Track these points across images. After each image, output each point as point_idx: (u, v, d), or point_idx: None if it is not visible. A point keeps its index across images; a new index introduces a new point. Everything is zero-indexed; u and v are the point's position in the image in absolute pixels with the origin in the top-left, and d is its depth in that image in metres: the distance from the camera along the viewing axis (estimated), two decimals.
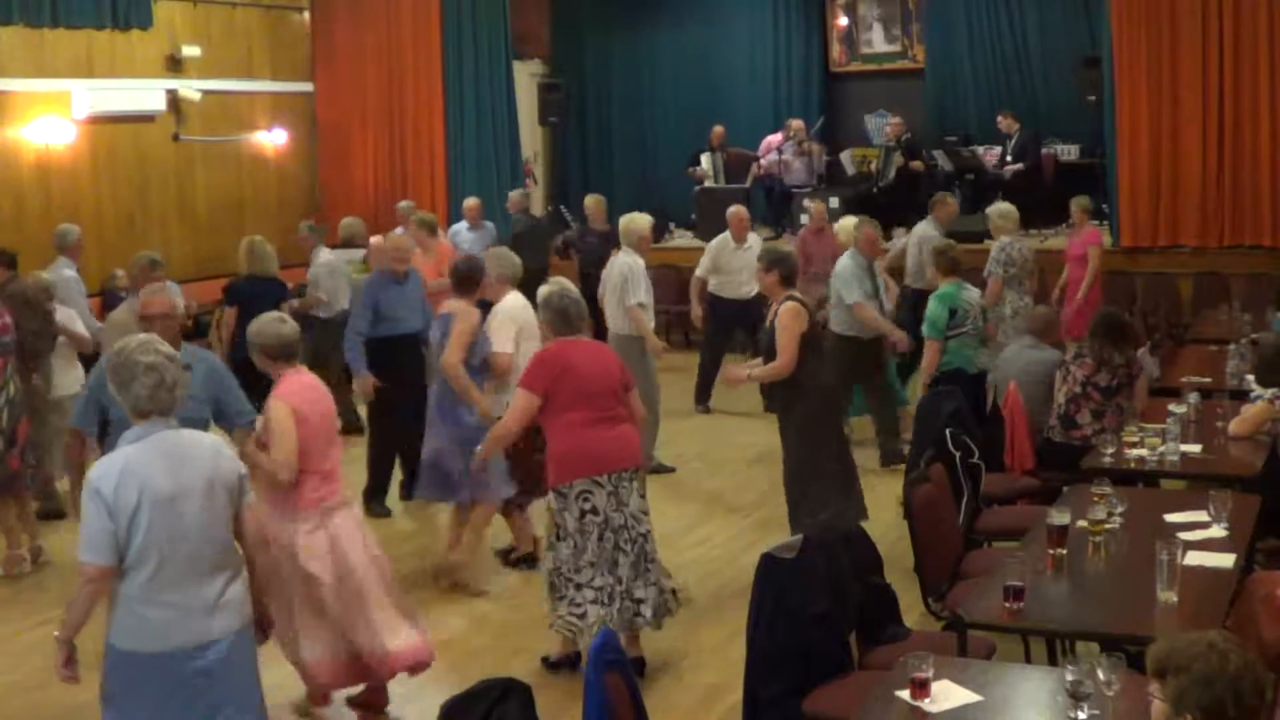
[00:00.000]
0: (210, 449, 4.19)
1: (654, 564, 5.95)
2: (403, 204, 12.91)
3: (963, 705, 3.82)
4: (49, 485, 8.42)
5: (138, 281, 8.46)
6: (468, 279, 7.20)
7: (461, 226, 13.10)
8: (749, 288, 10.26)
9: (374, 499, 8.62)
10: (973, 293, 8.26)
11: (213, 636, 4.10)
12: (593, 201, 12.66)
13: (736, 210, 11.09)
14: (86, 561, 3.97)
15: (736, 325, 11.04)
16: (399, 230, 11.29)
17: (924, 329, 8.14)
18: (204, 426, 5.24)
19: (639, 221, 9.19)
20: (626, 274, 8.95)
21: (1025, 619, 4.50)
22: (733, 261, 10.80)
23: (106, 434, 5.63)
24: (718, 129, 15.71)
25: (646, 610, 5.85)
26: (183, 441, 4.12)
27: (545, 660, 6.08)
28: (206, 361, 5.59)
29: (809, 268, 10.59)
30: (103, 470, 4.01)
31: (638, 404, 6.08)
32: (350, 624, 5.44)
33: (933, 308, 8.12)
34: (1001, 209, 10.22)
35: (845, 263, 9.25)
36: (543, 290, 6.28)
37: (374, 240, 10.74)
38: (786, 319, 6.78)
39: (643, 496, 5.90)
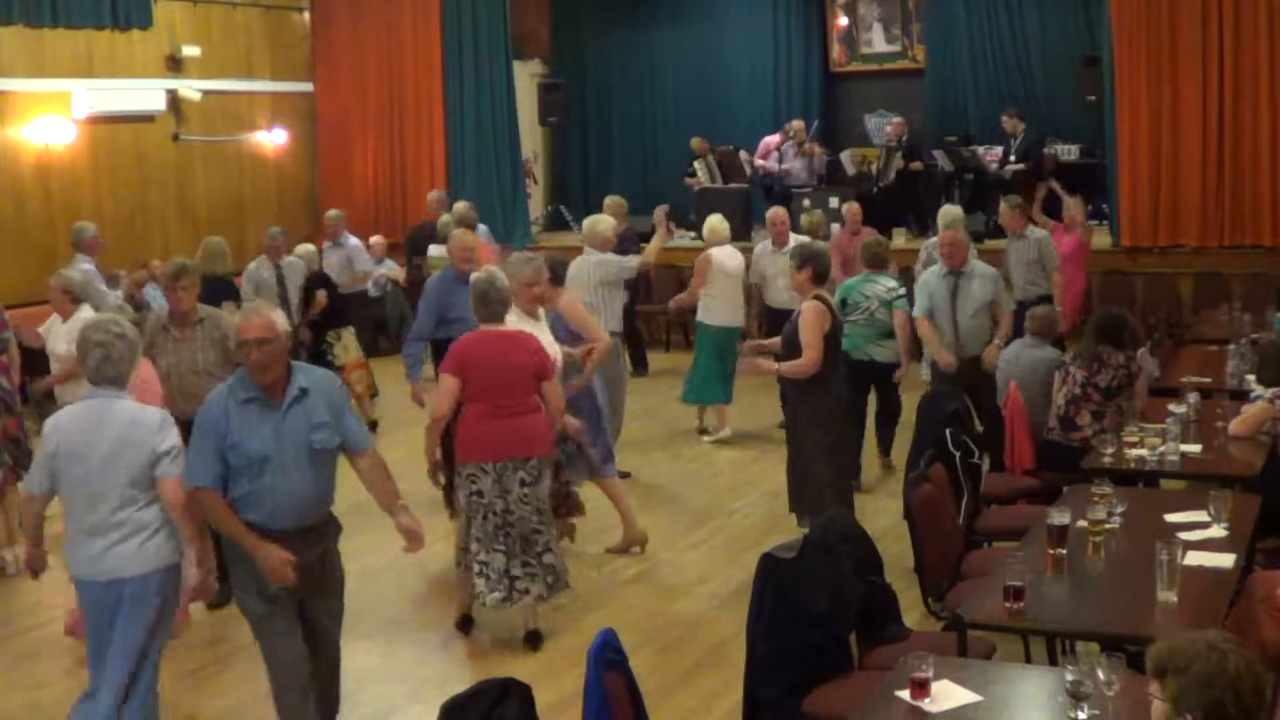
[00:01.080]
0: (126, 420, 4.77)
1: (538, 546, 6.23)
2: (331, 213, 12.62)
3: (963, 705, 3.81)
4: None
5: (167, 292, 7.97)
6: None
7: None
8: (794, 293, 9.71)
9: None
10: (878, 286, 8.63)
11: (107, 575, 4.73)
12: (611, 203, 11.61)
13: (775, 213, 10.51)
14: (23, 486, 5.13)
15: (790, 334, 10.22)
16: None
17: None
18: (335, 456, 4.92)
19: (604, 223, 9.11)
20: (604, 275, 8.82)
21: (1025, 619, 4.49)
22: (774, 267, 10.12)
23: None
24: (695, 141, 15.65)
25: (529, 585, 6.21)
26: (108, 409, 4.78)
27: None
28: (328, 384, 4.94)
29: (848, 270, 10.61)
30: (51, 420, 4.90)
31: (553, 393, 6.25)
32: None
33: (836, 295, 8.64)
34: (944, 209, 10.55)
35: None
36: (473, 275, 6.60)
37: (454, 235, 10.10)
38: (809, 317, 6.88)
39: (527, 486, 6.16)
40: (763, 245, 10.47)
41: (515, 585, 6.19)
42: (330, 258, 12.27)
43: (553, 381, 6.30)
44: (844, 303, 8.52)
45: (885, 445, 9.19)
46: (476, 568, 6.20)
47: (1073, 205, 11.31)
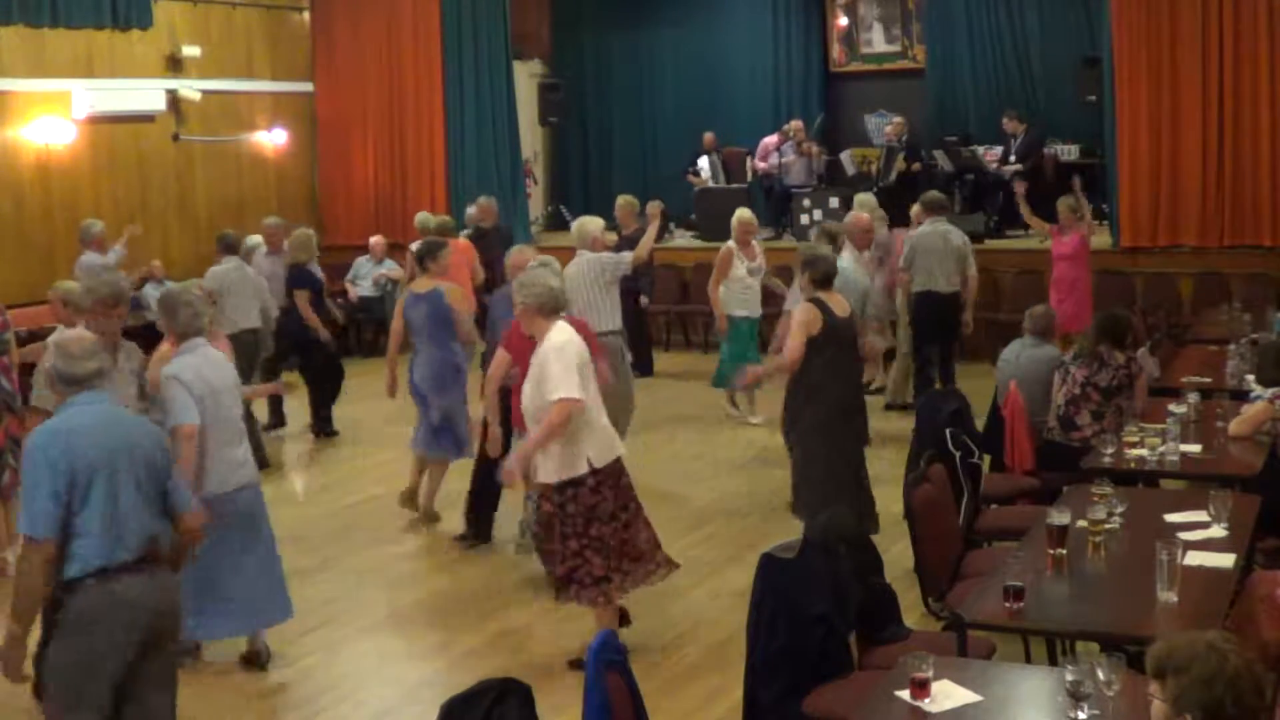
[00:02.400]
0: (226, 359, 6.14)
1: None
2: (272, 220, 11.83)
3: (963, 705, 3.81)
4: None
5: (93, 318, 6.42)
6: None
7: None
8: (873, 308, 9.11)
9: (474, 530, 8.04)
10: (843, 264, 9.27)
11: (241, 482, 5.88)
12: (623, 203, 11.61)
13: (857, 218, 9.63)
14: (185, 422, 5.63)
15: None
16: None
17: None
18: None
19: (591, 225, 9.08)
20: (599, 276, 8.78)
21: (1025, 619, 4.50)
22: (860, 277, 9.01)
23: None
24: (708, 135, 15.75)
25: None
26: (211, 351, 5.91)
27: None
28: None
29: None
30: (175, 369, 5.71)
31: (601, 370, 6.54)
32: None
33: None
34: (861, 199, 11.18)
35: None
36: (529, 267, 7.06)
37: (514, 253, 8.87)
38: (797, 316, 6.96)
39: None
40: (845, 255, 9.23)
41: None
42: (270, 269, 10.96)
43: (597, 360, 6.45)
44: None
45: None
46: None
47: (1061, 206, 11.31)
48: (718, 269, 10.21)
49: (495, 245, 11.96)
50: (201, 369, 5.77)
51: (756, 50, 16.84)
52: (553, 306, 5.89)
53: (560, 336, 5.83)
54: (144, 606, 4.30)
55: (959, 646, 4.54)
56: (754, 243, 10.50)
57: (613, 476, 5.90)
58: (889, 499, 8.03)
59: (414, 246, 9.83)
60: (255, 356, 9.99)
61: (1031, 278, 11.99)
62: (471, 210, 13.30)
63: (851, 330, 7.29)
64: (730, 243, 10.30)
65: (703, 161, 15.67)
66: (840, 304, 7.14)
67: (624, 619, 6.14)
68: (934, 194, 11.12)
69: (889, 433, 9.57)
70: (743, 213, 10.50)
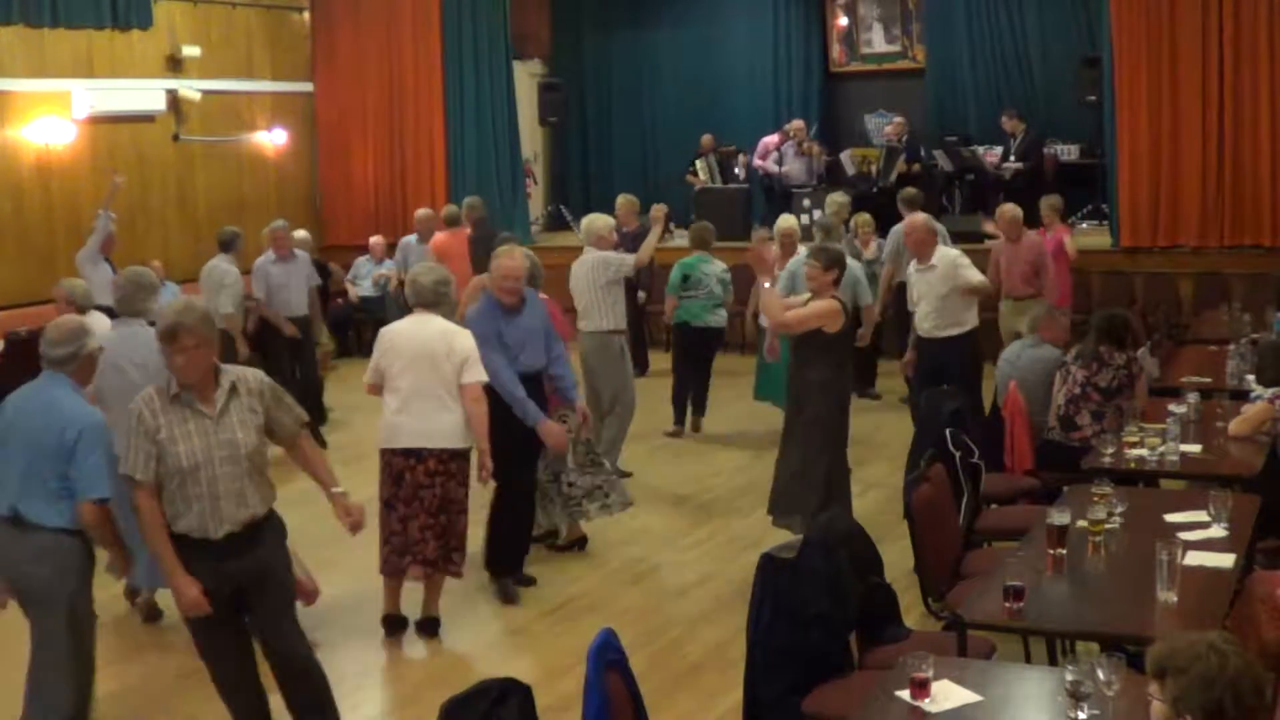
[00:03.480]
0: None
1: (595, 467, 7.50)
2: (280, 223, 11.20)
3: (963, 705, 3.81)
4: None
5: (173, 354, 7.09)
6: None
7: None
8: (943, 320, 8.63)
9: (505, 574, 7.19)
10: (716, 265, 10.30)
11: None
12: (624, 202, 11.58)
13: (915, 221, 9.00)
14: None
15: (940, 370, 8.49)
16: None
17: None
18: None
19: (600, 221, 9.09)
20: (604, 275, 8.78)
21: (1025, 619, 4.50)
22: (921, 286, 8.74)
23: None
24: (705, 138, 15.75)
25: (590, 507, 7.45)
26: (142, 336, 6.12)
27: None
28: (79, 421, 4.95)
29: (1009, 287, 10.18)
30: (106, 339, 5.89)
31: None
32: None
33: (673, 271, 10.36)
34: (831, 198, 11.64)
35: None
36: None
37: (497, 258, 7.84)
38: (822, 304, 6.85)
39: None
40: (912, 269, 8.91)
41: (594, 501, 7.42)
42: (282, 278, 10.69)
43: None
44: (685, 279, 10.17)
45: (699, 406, 10.56)
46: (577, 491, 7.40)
47: (1044, 205, 11.38)
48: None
49: (475, 250, 11.41)
50: (126, 343, 6.23)
51: (756, 50, 16.84)
52: (416, 300, 6.47)
53: (386, 328, 6.56)
54: None
55: (959, 646, 4.54)
56: (800, 249, 10.31)
57: (391, 469, 6.36)
58: (888, 499, 8.08)
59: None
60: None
61: None
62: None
63: (854, 334, 7.45)
64: (774, 249, 9.85)
65: (699, 164, 15.64)
66: (847, 308, 7.17)
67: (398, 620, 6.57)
68: (906, 190, 11.37)
69: (889, 433, 9.58)
70: (785, 222, 10.49)
